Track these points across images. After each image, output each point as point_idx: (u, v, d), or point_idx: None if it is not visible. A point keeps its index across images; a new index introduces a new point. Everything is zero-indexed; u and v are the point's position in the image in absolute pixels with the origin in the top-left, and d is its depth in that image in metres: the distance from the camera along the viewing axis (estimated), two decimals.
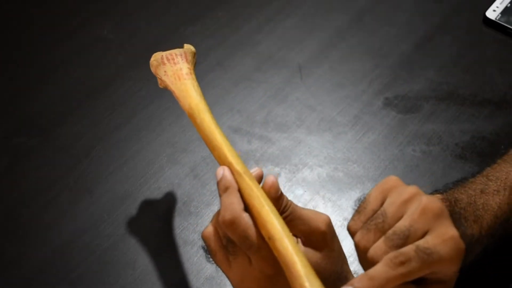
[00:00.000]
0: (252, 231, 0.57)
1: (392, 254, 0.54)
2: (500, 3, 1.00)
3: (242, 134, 0.90)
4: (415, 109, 0.92)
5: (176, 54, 0.69)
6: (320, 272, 0.57)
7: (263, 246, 0.57)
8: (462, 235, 0.58)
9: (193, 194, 0.85)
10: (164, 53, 0.70)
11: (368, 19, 1.03)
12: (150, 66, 0.70)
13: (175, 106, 0.93)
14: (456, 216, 0.64)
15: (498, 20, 0.99)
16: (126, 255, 0.80)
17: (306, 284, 0.52)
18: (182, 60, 0.69)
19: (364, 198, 0.60)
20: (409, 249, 0.54)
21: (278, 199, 0.58)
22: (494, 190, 0.68)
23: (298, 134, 0.90)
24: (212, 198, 0.84)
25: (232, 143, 0.91)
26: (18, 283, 0.79)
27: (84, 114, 0.93)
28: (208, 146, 0.62)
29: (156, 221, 0.83)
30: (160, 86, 0.70)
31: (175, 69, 0.68)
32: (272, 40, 1.00)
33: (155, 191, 0.85)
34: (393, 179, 0.59)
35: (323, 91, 0.95)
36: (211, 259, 0.64)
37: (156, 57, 0.70)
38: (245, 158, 0.88)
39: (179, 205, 0.84)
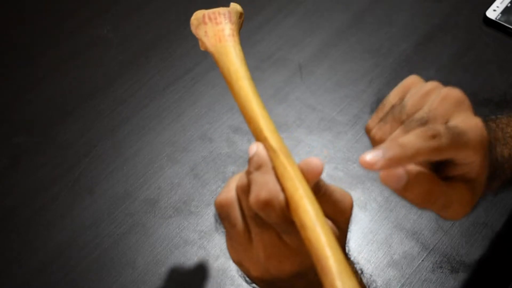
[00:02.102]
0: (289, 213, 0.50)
1: (423, 128, 0.51)
2: (500, 3, 1.00)
3: (242, 134, 0.90)
4: None
5: (219, 13, 0.63)
6: None
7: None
8: (490, 145, 0.55)
9: (193, 193, 0.85)
10: (206, 12, 0.64)
11: (368, 19, 1.03)
12: (191, 25, 0.64)
13: (175, 106, 0.94)
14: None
15: (498, 20, 0.99)
16: (126, 255, 0.80)
17: (338, 283, 0.46)
18: (225, 20, 0.62)
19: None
20: (439, 125, 0.51)
21: (316, 184, 0.52)
22: None
23: (298, 134, 0.90)
24: (212, 198, 0.84)
25: (232, 143, 0.91)
26: (18, 282, 0.79)
27: (84, 114, 0.93)
28: (244, 117, 0.55)
29: (156, 221, 0.83)
30: (201, 48, 0.64)
31: (216, 29, 0.62)
32: (272, 40, 1.00)
33: (155, 191, 0.85)
34: (413, 77, 0.57)
35: (323, 90, 0.95)
36: (221, 230, 0.58)
37: (197, 16, 0.64)
38: (245, 158, 0.88)
39: (179, 205, 0.84)
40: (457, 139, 0.51)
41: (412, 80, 0.57)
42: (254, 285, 0.59)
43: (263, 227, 0.52)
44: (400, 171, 0.50)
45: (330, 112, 0.92)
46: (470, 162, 0.53)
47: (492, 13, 0.99)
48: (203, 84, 0.96)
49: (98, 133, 0.91)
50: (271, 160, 0.51)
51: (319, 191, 0.52)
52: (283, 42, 1.00)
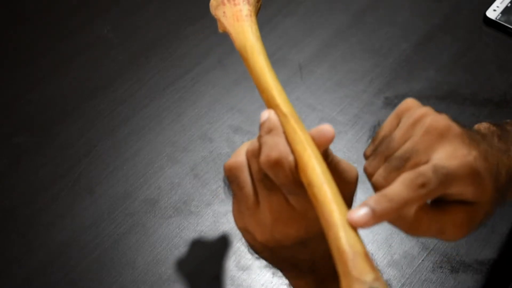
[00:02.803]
0: (298, 174, 0.51)
1: (411, 175, 0.50)
2: (501, 3, 1.00)
3: (243, 134, 0.90)
4: None
5: None
6: None
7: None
8: (487, 153, 0.54)
9: (194, 193, 0.85)
10: None
11: (368, 19, 1.03)
12: (210, 7, 0.66)
13: (175, 105, 0.94)
14: (488, 135, 0.58)
15: (499, 19, 0.99)
16: (126, 255, 0.80)
17: (341, 233, 0.47)
18: (244, 1, 0.64)
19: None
20: (426, 169, 0.50)
21: (324, 151, 0.53)
22: None
23: None
24: (213, 197, 0.84)
25: (233, 143, 0.91)
26: (19, 282, 0.79)
27: (84, 114, 0.93)
28: (258, 89, 0.57)
29: (156, 221, 0.83)
30: (220, 30, 0.66)
31: (234, 10, 0.63)
32: (272, 40, 1.00)
33: (155, 191, 0.85)
34: (408, 102, 0.55)
35: (323, 90, 0.95)
36: (229, 194, 0.59)
37: None
38: None
39: (179, 205, 0.84)
40: (445, 180, 0.51)
41: (407, 105, 0.56)
42: (256, 255, 0.59)
43: (271, 190, 0.53)
44: None
45: (330, 112, 0.92)
46: (464, 193, 0.53)
47: (492, 13, 0.99)
48: (203, 84, 0.96)
49: (98, 133, 0.91)
50: (282, 125, 0.53)
51: (327, 158, 0.53)
52: (283, 42, 1.00)
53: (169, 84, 0.96)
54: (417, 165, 0.52)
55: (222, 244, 0.80)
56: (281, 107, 0.54)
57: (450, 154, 0.52)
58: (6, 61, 1.00)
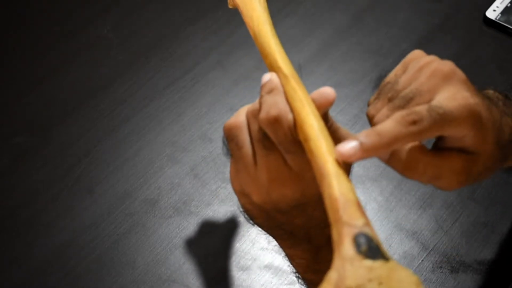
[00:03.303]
0: (295, 132, 0.52)
1: (404, 112, 0.50)
2: (500, 3, 1.00)
3: None
4: None
5: None
6: None
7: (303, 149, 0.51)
8: (490, 107, 0.54)
9: (193, 193, 0.85)
10: None
11: (368, 19, 1.03)
12: None
13: (175, 106, 0.94)
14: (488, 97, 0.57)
15: (498, 20, 0.99)
16: (126, 255, 0.80)
17: (334, 182, 0.47)
18: None
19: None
20: (421, 108, 0.50)
21: (324, 115, 0.53)
22: None
23: None
24: (212, 197, 0.84)
25: None
26: (19, 282, 0.79)
27: (84, 114, 0.93)
28: (262, 54, 0.58)
29: (156, 221, 0.83)
30: (229, 6, 0.67)
31: None
32: None
33: (155, 191, 0.85)
34: (415, 52, 0.56)
35: None
36: (228, 154, 0.58)
37: None
38: None
39: (179, 205, 0.84)
40: (440, 120, 0.50)
41: (414, 55, 0.56)
42: (252, 221, 0.59)
43: (269, 149, 0.53)
44: None
45: (330, 112, 0.92)
46: (462, 136, 0.52)
47: (492, 13, 0.99)
48: (203, 84, 0.96)
49: (98, 133, 0.91)
50: (283, 85, 0.54)
51: (327, 122, 0.53)
52: (283, 42, 0.99)
53: (169, 84, 0.96)
54: (419, 105, 0.52)
55: (222, 244, 0.80)
56: (283, 69, 0.55)
57: (451, 96, 0.52)
58: (6, 61, 1.00)
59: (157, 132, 0.91)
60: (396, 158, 0.52)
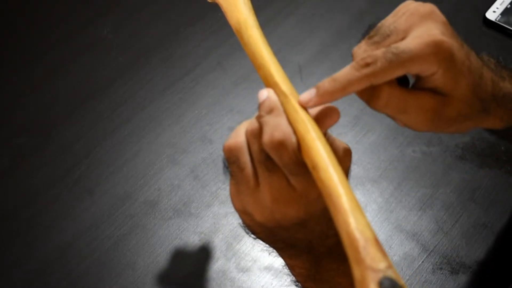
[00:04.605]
0: (300, 155, 0.51)
1: (360, 56, 0.52)
2: (500, 4, 1.00)
3: None
4: None
5: None
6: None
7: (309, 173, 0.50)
8: (470, 55, 0.54)
9: (193, 195, 0.85)
10: None
11: (368, 19, 1.02)
12: None
13: (175, 107, 0.94)
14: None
15: (498, 21, 0.99)
16: (126, 256, 0.80)
17: (351, 219, 0.46)
18: None
19: None
20: (379, 51, 0.51)
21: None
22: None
23: None
24: (212, 199, 0.84)
25: None
26: (19, 283, 0.79)
27: (84, 115, 0.93)
28: (254, 64, 0.56)
29: (156, 222, 0.83)
30: (208, 0, 0.64)
31: None
32: (272, 41, 0.99)
33: (155, 192, 0.85)
34: (408, 2, 0.56)
35: None
36: (227, 174, 0.57)
37: None
38: None
39: (179, 206, 0.84)
40: (396, 60, 0.50)
41: (404, 4, 0.56)
42: (253, 236, 0.58)
43: (272, 170, 0.52)
44: None
45: None
46: (431, 74, 0.52)
47: (492, 14, 0.99)
48: (203, 85, 0.96)
49: (98, 134, 0.91)
50: (282, 104, 0.52)
51: (324, 134, 0.52)
52: (283, 43, 1.00)
53: (169, 85, 0.96)
54: (395, 42, 0.53)
55: (222, 246, 0.80)
56: (280, 86, 0.53)
57: (419, 34, 0.52)
58: (7, 62, 1.00)
59: (157, 133, 0.91)
60: (362, 91, 0.53)
